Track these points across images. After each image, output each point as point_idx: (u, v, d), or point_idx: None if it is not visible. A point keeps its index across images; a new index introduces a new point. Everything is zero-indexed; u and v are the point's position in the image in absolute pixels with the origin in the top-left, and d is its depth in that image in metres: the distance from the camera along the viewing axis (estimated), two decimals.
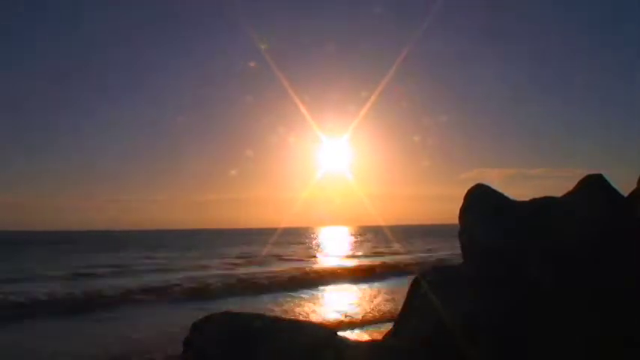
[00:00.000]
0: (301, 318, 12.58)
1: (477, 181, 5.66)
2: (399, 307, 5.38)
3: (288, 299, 16.00)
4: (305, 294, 17.27)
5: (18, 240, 68.21)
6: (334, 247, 49.13)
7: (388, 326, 5.55)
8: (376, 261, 30.32)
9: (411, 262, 27.71)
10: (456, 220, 5.68)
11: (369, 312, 13.36)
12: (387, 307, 13.73)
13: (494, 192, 5.56)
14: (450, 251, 32.35)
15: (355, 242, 57.84)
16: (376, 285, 19.62)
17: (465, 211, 5.55)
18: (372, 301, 15.18)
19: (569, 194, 5.24)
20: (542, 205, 5.24)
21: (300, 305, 14.90)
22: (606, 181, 5.13)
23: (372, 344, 5.13)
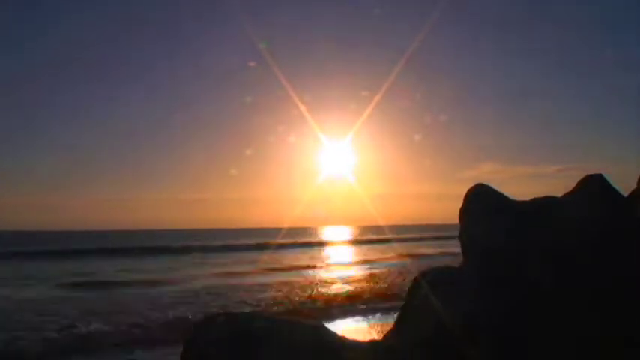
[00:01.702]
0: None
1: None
2: None
3: None
4: None
5: None
6: None
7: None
8: None
9: None
10: None
11: None
12: None
13: (494, 192, 5.57)
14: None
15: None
16: None
17: (464, 211, 5.56)
18: None
19: (569, 194, 5.26)
20: (542, 205, 5.25)
21: None
22: (606, 181, 5.14)
23: (371, 344, 5.14)
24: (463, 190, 5.76)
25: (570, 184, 5.32)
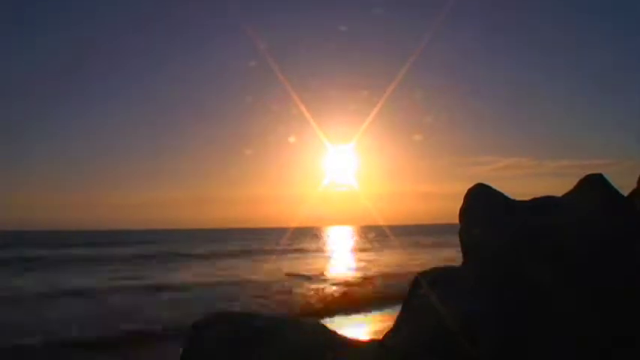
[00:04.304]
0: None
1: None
2: None
3: None
4: None
5: None
6: None
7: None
8: None
9: None
10: None
11: None
12: None
13: (495, 191, 5.58)
14: None
15: None
16: None
17: (465, 210, 5.57)
18: None
19: (569, 194, 5.27)
20: (543, 204, 5.25)
21: None
22: (606, 180, 5.14)
23: (371, 344, 5.14)
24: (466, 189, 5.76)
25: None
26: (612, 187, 5.15)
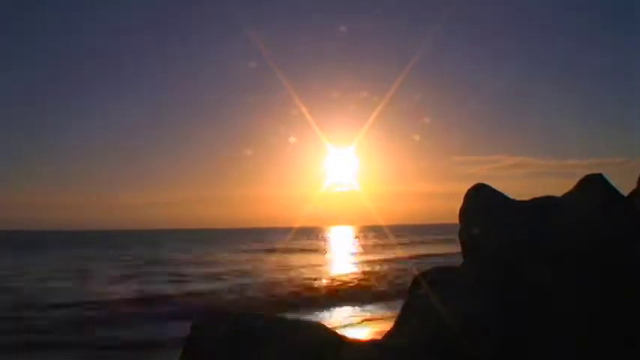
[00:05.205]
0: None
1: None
2: None
3: None
4: None
5: None
6: None
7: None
8: None
9: None
10: None
11: None
12: None
13: (495, 191, 5.58)
14: None
15: None
16: None
17: (465, 210, 5.58)
18: None
19: (569, 194, 5.27)
20: (542, 204, 5.25)
21: None
22: (606, 180, 5.14)
23: (372, 344, 5.14)
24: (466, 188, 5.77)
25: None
26: (612, 187, 5.15)
